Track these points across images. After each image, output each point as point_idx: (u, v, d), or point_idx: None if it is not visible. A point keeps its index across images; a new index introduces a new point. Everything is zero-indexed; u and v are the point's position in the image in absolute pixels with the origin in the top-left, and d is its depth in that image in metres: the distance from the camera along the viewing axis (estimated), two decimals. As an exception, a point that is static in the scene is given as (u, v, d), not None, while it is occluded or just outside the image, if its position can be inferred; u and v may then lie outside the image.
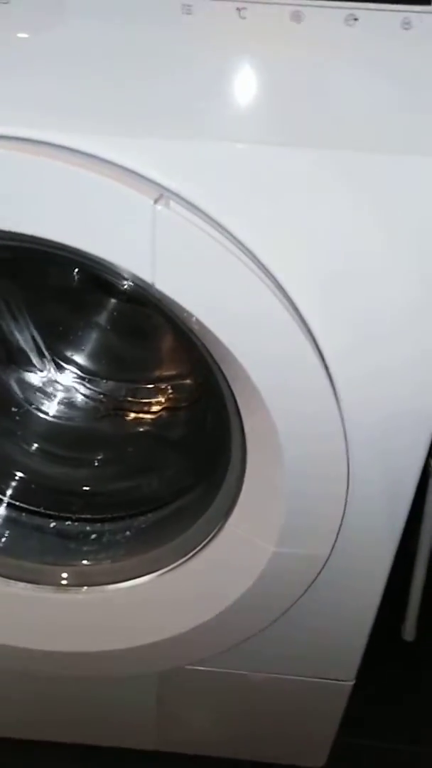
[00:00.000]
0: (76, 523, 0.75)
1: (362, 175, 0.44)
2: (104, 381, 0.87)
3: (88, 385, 0.87)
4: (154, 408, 0.85)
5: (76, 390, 0.86)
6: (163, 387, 0.84)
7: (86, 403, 0.86)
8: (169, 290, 0.45)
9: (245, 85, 0.45)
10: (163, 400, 0.84)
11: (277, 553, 0.61)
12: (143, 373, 0.87)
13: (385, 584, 0.70)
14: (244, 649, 0.70)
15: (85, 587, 0.71)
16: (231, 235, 0.47)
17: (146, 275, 0.45)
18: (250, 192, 0.45)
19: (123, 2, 0.44)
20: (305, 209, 0.46)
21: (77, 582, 0.71)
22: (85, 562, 0.73)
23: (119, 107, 0.45)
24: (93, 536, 0.74)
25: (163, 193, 0.43)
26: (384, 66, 0.43)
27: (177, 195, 0.44)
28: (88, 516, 0.75)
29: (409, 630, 0.99)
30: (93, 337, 0.88)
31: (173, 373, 0.83)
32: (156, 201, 0.42)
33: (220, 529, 0.66)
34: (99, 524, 0.74)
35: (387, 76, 0.43)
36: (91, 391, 0.87)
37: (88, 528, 0.74)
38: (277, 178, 0.45)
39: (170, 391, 0.85)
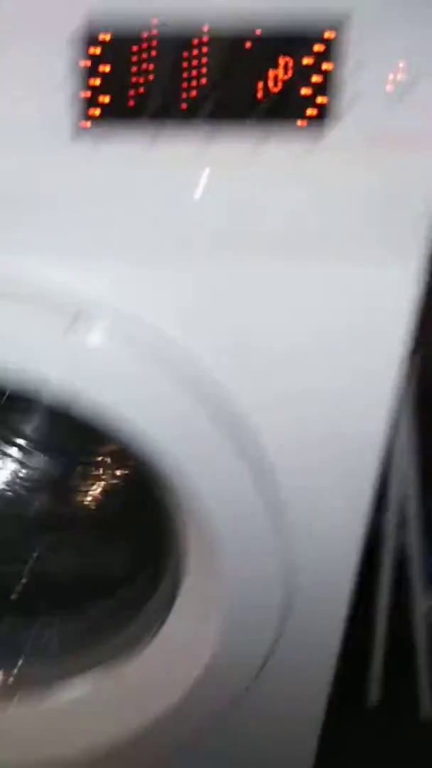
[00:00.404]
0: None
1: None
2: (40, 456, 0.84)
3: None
4: (92, 490, 0.82)
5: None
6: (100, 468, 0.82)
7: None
8: (91, 408, 0.44)
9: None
10: (100, 482, 0.81)
11: (217, 654, 0.59)
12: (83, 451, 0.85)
13: (335, 666, 0.68)
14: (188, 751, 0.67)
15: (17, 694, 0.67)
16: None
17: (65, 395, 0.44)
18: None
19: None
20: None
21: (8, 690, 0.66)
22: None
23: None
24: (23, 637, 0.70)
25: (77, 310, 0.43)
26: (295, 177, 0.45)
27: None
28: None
29: (373, 692, 0.98)
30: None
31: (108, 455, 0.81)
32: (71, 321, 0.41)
33: (160, 627, 0.63)
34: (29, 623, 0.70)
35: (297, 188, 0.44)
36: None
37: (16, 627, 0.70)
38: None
39: (109, 471, 0.82)
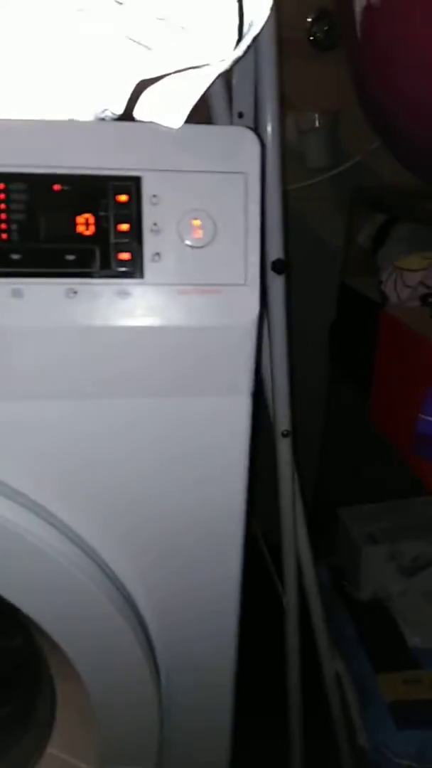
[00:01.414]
0: None
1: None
2: None
3: None
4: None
5: None
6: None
7: None
8: None
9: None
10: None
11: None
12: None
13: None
14: None
15: None
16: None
17: None
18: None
19: None
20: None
21: None
22: None
23: None
24: None
25: None
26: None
27: None
28: None
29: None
30: None
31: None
32: None
33: (41, 754, 0.61)
34: None
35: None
36: None
37: None
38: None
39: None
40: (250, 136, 0.44)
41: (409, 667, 0.95)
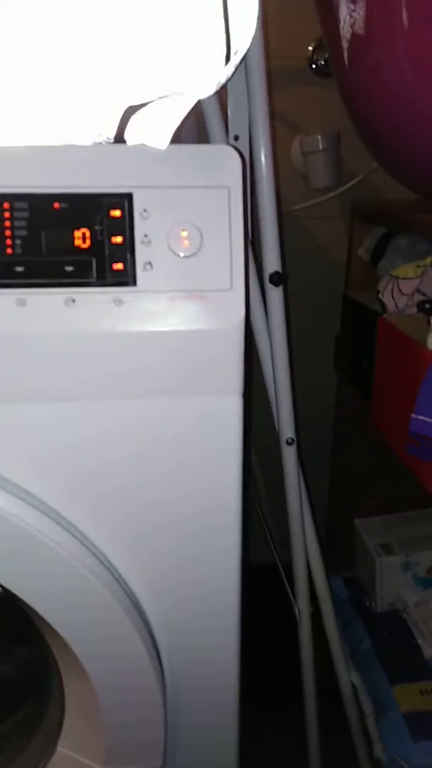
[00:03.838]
0: None
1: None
2: None
3: None
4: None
5: None
6: None
7: None
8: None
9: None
10: None
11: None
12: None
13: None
14: None
15: None
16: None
17: None
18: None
19: None
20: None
21: None
22: None
23: None
24: None
25: None
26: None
27: None
28: None
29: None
30: None
31: None
32: None
33: (51, 754, 0.63)
34: None
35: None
36: None
37: None
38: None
39: None
40: (232, 153, 0.48)
41: (426, 678, 0.94)
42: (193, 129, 0.77)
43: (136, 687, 0.56)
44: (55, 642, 0.57)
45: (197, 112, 0.69)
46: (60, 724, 0.61)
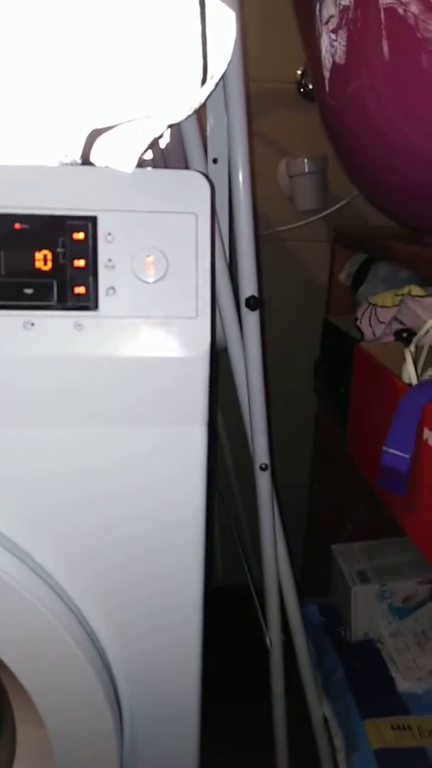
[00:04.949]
0: None
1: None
2: None
3: None
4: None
5: None
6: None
7: None
8: None
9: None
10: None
11: None
12: None
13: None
14: None
15: None
16: None
17: None
18: None
19: None
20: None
21: None
22: None
23: None
24: None
25: None
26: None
27: None
28: None
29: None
30: None
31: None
32: None
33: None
34: None
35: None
36: None
37: None
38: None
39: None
40: (200, 179, 0.47)
41: (398, 712, 0.92)
42: (179, 152, 0.76)
43: (92, 734, 0.53)
44: (9, 682, 0.54)
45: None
46: (10, 765, 0.58)
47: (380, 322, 0.77)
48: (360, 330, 0.80)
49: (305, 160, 1.12)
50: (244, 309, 0.73)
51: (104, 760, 0.54)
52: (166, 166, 0.75)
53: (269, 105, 1.16)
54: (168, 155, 0.77)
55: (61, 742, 0.53)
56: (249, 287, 0.72)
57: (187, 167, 0.71)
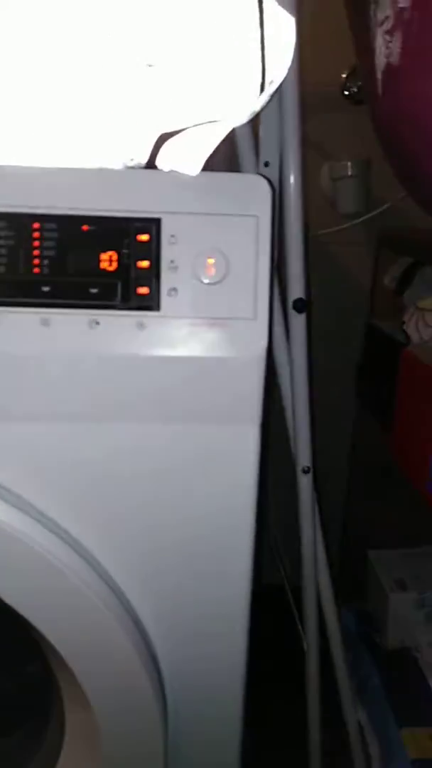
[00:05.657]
0: None
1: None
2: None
3: None
4: None
5: None
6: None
7: None
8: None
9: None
10: None
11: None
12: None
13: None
14: None
15: None
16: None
17: None
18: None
19: None
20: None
21: None
22: None
23: None
24: None
25: None
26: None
27: None
28: None
29: None
30: None
31: None
32: None
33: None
34: None
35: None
36: None
37: None
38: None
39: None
40: (262, 183, 0.48)
41: (437, 722, 0.91)
42: (224, 154, 0.77)
43: (137, 720, 0.54)
44: (59, 667, 0.56)
45: (228, 137, 0.69)
46: (58, 750, 0.60)
47: (428, 326, 0.76)
48: (406, 334, 0.79)
49: (349, 163, 1.12)
50: (291, 311, 0.73)
51: (149, 750, 0.55)
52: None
53: (312, 108, 1.16)
54: (212, 160, 0.78)
55: (107, 726, 0.54)
56: (297, 289, 0.72)
57: (227, 169, 0.72)
